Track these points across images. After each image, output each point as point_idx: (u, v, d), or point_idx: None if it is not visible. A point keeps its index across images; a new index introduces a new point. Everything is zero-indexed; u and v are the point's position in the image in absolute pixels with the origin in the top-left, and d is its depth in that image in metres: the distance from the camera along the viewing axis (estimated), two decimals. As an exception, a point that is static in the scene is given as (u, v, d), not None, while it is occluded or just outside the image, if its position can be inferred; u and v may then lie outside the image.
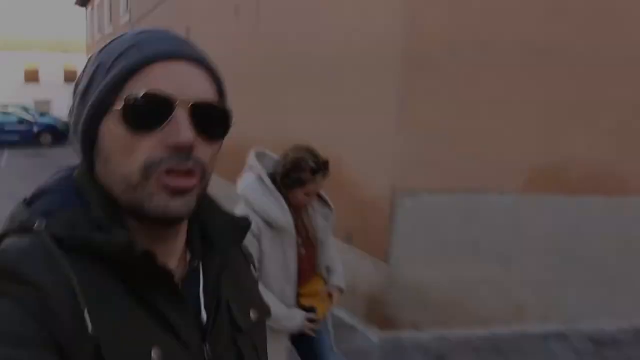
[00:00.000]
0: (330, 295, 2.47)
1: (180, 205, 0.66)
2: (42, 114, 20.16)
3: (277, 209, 2.18)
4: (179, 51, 0.67)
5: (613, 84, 3.81)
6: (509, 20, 3.69)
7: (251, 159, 2.30)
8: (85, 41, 25.05)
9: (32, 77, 28.38)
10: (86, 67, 0.71)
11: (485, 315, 4.05)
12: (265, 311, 0.89)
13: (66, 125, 15.85)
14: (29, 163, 14.70)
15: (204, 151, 0.67)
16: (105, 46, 0.71)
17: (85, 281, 0.62)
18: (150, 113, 0.64)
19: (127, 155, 0.66)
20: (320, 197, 2.42)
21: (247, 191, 2.22)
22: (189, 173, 0.66)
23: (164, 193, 0.65)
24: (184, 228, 0.76)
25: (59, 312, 0.59)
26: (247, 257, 0.92)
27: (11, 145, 17.32)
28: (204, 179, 0.69)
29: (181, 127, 0.64)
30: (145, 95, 0.64)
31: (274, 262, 2.24)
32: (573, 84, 3.78)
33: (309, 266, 2.42)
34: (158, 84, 0.65)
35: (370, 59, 4.02)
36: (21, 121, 17.74)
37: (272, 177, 2.25)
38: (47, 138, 17.62)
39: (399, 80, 3.76)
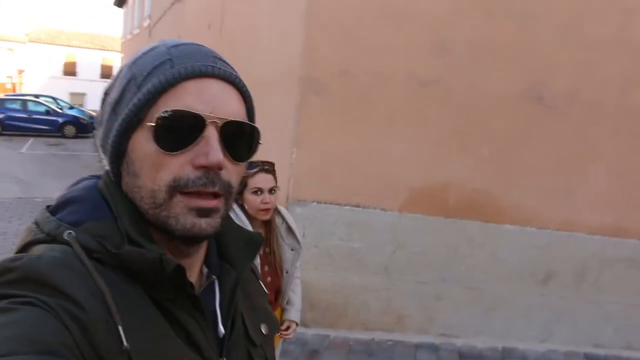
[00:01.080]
0: (285, 329, 2.57)
1: (206, 226, 0.68)
2: (71, 107, 21.27)
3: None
4: (212, 69, 0.68)
5: (490, 117, 4.17)
6: (395, 53, 4.10)
7: None
8: (120, 40, 26.25)
9: (70, 69, 29.90)
10: (117, 77, 0.71)
11: (367, 321, 4.43)
12: (274, 325, 0.88)
13: (92, 118, 16.87)
14: (48, 151, 15.64)
15: (230, 171, 0.69)
16: (137, 58, 0.71)
17: (116, 294, 0.62)
18: (181, 131, 0.65)
19: (156, 171, 0.66)
20: (290, 230, 2.49)
21: None
22: (215, 194, 0.67)
23: (189, 214, 0.67)
24: (204, 243, 0.77)
25: (92, 325, 0.59)
26: (254, 271, 0.93)
27: (37, 133, 18.42)
28: (229, 199, 0.70)
29: (211, 148, 0.65)
30: (176, 113, 0.64)
31: None
32: (453, 115, 4.16)
33: (270, 295, 2.44)
34: (190, 102, 0.65)
35: (275, 80, 4.51)
36: (48, 111, 18.82)
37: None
38: (70, 129, 18.63)
39: (296, 101, 4.22)
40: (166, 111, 0.65)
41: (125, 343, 0.60)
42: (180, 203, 0.66)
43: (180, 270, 0.66)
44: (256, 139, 0.72)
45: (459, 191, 4.25)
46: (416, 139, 4.19)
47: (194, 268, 0.76)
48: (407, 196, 4.27)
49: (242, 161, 0.70)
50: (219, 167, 0.66)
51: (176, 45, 0.70)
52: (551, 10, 4.09)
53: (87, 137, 18.52)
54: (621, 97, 4.16)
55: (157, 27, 12.94)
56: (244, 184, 2.28)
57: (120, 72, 0.71)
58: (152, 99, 0.66)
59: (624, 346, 4.49)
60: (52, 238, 0.66)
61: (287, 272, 2.50)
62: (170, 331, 0.67)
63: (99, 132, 0.73)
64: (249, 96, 0.73)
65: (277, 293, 2.54)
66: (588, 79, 4.14)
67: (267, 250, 2.44)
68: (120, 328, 0.60)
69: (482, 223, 4.27)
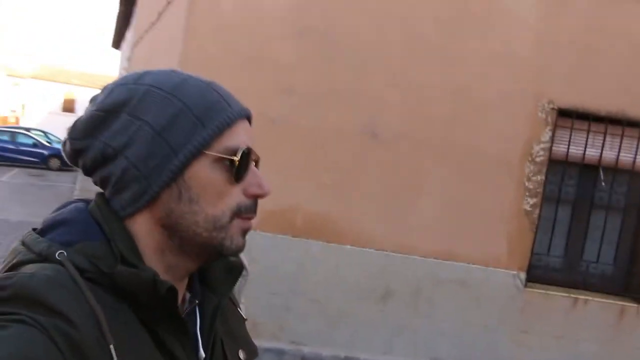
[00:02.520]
0: None
1: (244, 242, 0.78)
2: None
3: None
4: (248, 111, 0.80)
5: (331, 150, 4.77)
6: (250, 95, 4.67)
7: None
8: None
9: (69, 106, 31.14)
10: (144, 100, 0.73)
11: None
12: (252, 352, 0.92)
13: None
14: (28, 180, 16.39)
15: None
16: (175, 86, 0.75)
17: (107, 313, 0.64)
18: (245, 166, 0.75)
19: (220, 199, 0.74)
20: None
21: None
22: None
23: (240, 234, 0.77)
24: None
25: (85, 345, 0.60)
26: (232, 299, 0.96)
27: (23, 164, 19.27)
28: None
29: (261, 180, 0.77)
30: (246, 150, 0.75)
31: None
32: (298, 147, 4.79)
33: None
34: (245, 140, 0.76)
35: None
36: (35, 144, 19.72)
37: None
38: (55, 162, 19.47)
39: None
40: (247, 149, 0.75)
41: None
42: (237, 225, 0.76)
43: (173, 292, 0.70)
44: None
45: (304, 214, 4.84)
46: (267, 168, 4.77)
47: (180, 292, 0.79)
48: (260, 217, 4.79)
49: None
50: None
51: (212, 83, 0.80)
52: (383, 58, 4.76)
53: (70, 170, 19.32)
54: (445, 134, 4.77)
55: (131, 69, 13.91)
56: None
57: (147, 95, 0.74)
58: (220, 134, 0.74)
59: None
60: (43, 258, 0.67)
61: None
62: (156, 352, 0.70)
63: (123, 154, 0.73)
64: None
65: None
66: (415, 117, 4.77)
67: None
68: (112, 347, 0.62)
69: (324, 243, 4.84)
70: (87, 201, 0.77)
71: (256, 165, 0.80)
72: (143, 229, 0.74)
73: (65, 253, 0.67)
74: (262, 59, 4.78)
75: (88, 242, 0.69)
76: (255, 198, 0.77)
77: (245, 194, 0.76)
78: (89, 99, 0.80)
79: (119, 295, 0.68)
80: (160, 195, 0.73)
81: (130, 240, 0.73)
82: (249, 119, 0.81)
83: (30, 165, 19.32)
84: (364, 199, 4.83)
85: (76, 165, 0.78)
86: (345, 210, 4.85)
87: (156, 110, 0.73)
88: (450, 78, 4.76)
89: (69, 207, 0.75)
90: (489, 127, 4.76)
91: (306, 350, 4.90)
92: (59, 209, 0.76)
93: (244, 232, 0.78)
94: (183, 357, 0.73)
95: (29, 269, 0.65)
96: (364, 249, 4.84)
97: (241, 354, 0.88)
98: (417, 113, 4.78)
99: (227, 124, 0.75)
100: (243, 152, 0.74)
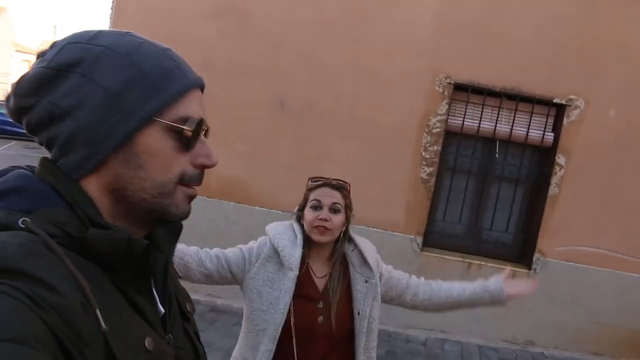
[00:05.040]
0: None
1: (190, 209, 0.80)
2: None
3: (288, 240, 1.97)
4: (202, 80, 0.80)
5: (244, 120, 5.20)
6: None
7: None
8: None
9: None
10: (99, 60, 0.71)
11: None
12: (192, 304, 0.95)
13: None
14: (22, 152, 16.94)
15: None
16: (131, 49, 0.73)
17: (86, 278, 0.64)
18: (196, 135, 0.76)
19: (166, 166, 0.74)
20: (363, 259, 2.00)
21: (272, 224, 2.11)
22: None
23: (185, 201, 0.78)
24: None
25: (71, 309, 0.60)
26: None
27: (22, 137, 19.79)
28: None
29: (210, 150, 0.79)
30: (200, 121, 0.76)
31: (259, 299, 1.91)
32: (215, 118, 5.14)
33: (322, 348, 1.90)
34: (197, 110, 0.77)
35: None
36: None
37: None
38: (53, 135, 19.92)
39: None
40: (200, 119, 0.76)
41: (104, 326, 0.62)
42: (182, 192, 0.77)
43: (148, 250, 0.71)
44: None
45: (218, 177, 5.27)
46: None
47: None
48: (179, 179, 5.29)
49: None
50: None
51: (168, 49, 0.78)
52: (294, 38, 5.14)
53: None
54: (349, 108, 5.15)
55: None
56: (305, 199, 2.01)
57: (102, 56, 0.72)
58: (174, 102, 0.74)
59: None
60: (2, 227, 0.64)
61: (358, 314, 1.94)
62: (131, 312, 0.71)
63: (72, 116, 0.71)
64: None
65: (333, 346, 1.93)
66: (322, 92, 5.15)
67: (327, 281, 1.96)
68: (97, 312, 0.62)
69: (236, 203, 5.27)
70: (25, 168, 0.75)
71: (205, 135, 0.81)
72: (92, 194, 0.74)
73: (29, 220, 0.64)
74: (184, 37, 5.16)
75: (48, 208, 0.68)
76: (202, 168, 0.79)
77: (193, 163, 0.77)
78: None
79: (89, 258, 0.68)
80: (107, 160, 0.72)
81: (92, 202, 0.72)
82: (202, 88, 0.81)
83: (29, 138, 19.74)
84: (273, 165, 5.24)
85: (19, 122, 0.76)
86: (256, 175, 5.26)
87: (110, 74, 0.71)
88: (355, 56, 5.12)
89: (11, 175, 0.72)
90: (389, 102, 5.12)
91: (219, 302, 5.36)
92: None
93: (190, 198, 0.79)
94: (152, 314, 0.76)
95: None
96: (272, 210, 5.25)
97: (188, 307, 0.92)
98: (324, 88, 5.16)
99: (181, 93, 0.75)
100: (196, 122, 0.75)
